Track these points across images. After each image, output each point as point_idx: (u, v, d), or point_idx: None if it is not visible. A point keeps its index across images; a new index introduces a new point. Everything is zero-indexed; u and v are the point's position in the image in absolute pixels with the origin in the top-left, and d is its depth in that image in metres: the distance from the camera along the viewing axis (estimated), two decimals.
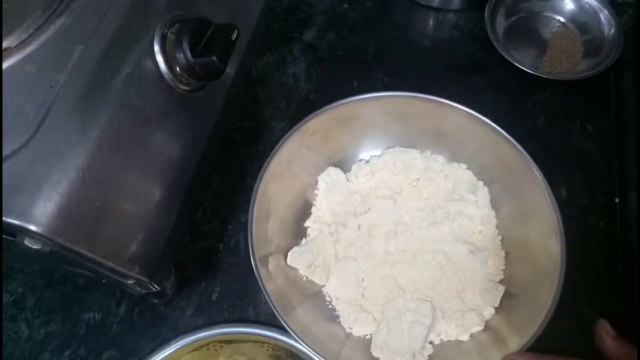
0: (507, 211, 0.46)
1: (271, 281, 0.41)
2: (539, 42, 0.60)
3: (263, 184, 0.42)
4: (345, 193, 0.48)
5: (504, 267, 0.44)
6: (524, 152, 0.43)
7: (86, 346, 0.44)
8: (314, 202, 0.48)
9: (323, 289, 0.45)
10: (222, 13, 0.38)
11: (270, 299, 0.39)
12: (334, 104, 0.45)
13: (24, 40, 0.29)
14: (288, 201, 0.46)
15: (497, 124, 0.44)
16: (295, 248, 0.45)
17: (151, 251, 0.34)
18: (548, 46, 0.59)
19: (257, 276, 0.39)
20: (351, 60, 0.59)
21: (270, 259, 0.42)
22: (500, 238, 0.46)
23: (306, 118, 0.45)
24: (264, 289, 0.39)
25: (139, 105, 0.32)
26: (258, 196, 0.42)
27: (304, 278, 0.45)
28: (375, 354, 0.41)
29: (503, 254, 0.45)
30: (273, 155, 0.43)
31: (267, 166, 0.43)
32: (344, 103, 0.45)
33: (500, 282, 0.44)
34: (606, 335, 0.36)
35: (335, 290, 0.44)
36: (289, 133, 0.44)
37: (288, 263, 0.44)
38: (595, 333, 0.36)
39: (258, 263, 0.40)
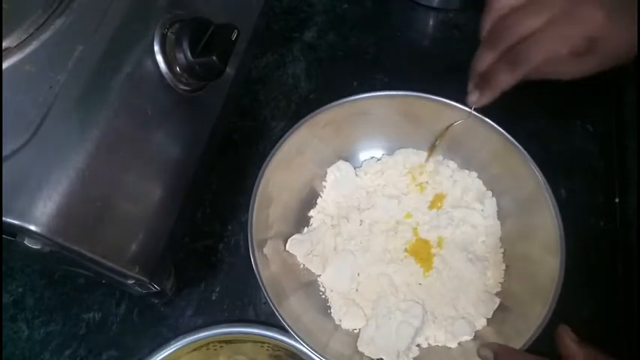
0: (513, 224, 0.45)
1: (267, 266, 0.41)
2: None
3: (269, 169, 0.42)
4: (352, 187, 0.48)
5: (503, 280, 0.44)
6: (535, 165, 0.42)
7: (86, 346, 0.44)
8: (321, 192, 0.48)
9: (318, 279, 0.45)
10: (222, 13, 0.38)
11: (263, 284, 0.39)
12: (347, 99, 0.45)
13: (24, 40, 0.29)
14: (294, 189, 0.46)
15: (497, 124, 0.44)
16: (296, 235, 0.45)
17: (151, 251, 0.34)
18: None
19: (252, 259, 0.39)
20: (351, 60, 0.59)
21: (268, 242, 0.42)
22: (502, 250, 0.45)
23: (320, 109, 0.44)
24: (258, 273, 0.39)
25: (139, 105, 0.32)
26: (263, 181, 0.42)
27: (301, 266, 0.45)
28: (360, 349, 0.41)
29: (504, 267, 0.44)
30: (284, 141, 0.43)
31: (276, 151, 0.43)
32: (358, 99, 0.45)
33: (497, 294, 0.43)
34: (570, 341, 0.32)
35: (330, 281, 0.44)
36: (301, 121, 0.44)
37: (287, 249, 0.45)
38: (557, 339, 0.33)
39: (255, 246, 0.40)
